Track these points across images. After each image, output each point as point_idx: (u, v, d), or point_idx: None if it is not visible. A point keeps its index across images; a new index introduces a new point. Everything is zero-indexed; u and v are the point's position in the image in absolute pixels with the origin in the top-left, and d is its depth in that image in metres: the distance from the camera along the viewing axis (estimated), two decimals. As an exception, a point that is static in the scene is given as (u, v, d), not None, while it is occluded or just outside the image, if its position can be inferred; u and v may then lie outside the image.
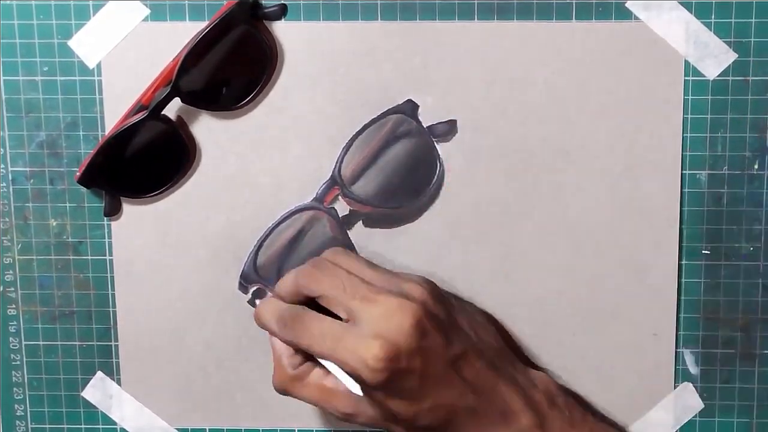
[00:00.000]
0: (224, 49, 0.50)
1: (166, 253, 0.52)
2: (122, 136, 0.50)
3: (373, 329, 0.44)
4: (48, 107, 0.51)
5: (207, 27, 0.49)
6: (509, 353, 0.49)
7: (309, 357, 0.47)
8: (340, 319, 0.45)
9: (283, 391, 0.48)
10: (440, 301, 0.46)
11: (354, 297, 0.45)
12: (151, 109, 0.49)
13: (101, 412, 0.54)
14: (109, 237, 0.52)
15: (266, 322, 0.48)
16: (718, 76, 0.50)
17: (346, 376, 0.45)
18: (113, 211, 0.52)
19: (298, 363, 0.47)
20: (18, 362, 0.54)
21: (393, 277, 0.47)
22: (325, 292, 0.46)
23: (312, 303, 0.47)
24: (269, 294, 0.52)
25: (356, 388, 0.46)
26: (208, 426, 0.54)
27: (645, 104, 0.50)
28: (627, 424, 0.53)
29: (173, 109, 0.51)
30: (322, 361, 0.47)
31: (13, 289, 0.53)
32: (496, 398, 0.46)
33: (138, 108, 0.50)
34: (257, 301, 0.52)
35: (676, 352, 0.52)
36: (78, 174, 0.51)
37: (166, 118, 0.50)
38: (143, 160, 0.51)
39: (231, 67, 0.50)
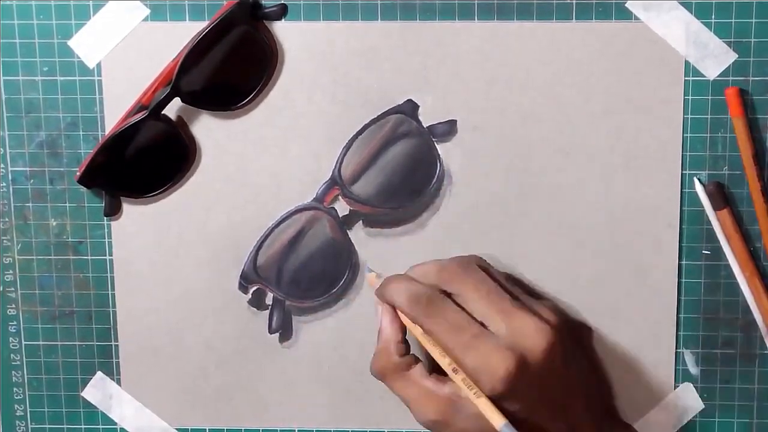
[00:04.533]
0: (224, 49, 0.50)
1: (166, 253, 0.52)
2: (122, 136, 0.50)
3: (510, 342, 0.44)
4: (48, 107, 0.51)
5: (207, 27, 0.49)
6: (603, 403, 0.51)
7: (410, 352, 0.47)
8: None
9: (381, 377, 0.47)
10: (569, 334, 0.47)
11: (493, 305, 0.45)
12: (151, 109, 0.49)
13: (101, 412, 0.54)
14: (109, 237, 0.52)
15: (395, 295, 0.46)
16: (718, 76, 0.50)
17: (489, 404, 0.44)
18: (113, 211, 0.52)
19: (404, 351, 0.47)
20: (18, 362, 0.54)
21: (530, 297, 0.48)
22: (466, 293, 0.46)
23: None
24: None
25: (497, 419, 0.43)
26: (208, 426, 0.54)
27: (645, 104, 0.50)
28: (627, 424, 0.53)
29: (173, 109, 0.51)
30: (436, 355, 0.45)
31: (13, 289, 0.53)
32: None
33: (138, 108, 0.50)
34: (373, 277, 0.49)
35: (676, 352, 0.52)
36: (78, 174, 0.51)
37: (166, 118, 0.50)
38: (143, 160, 0.51)
39: (231, 67, 0.50)
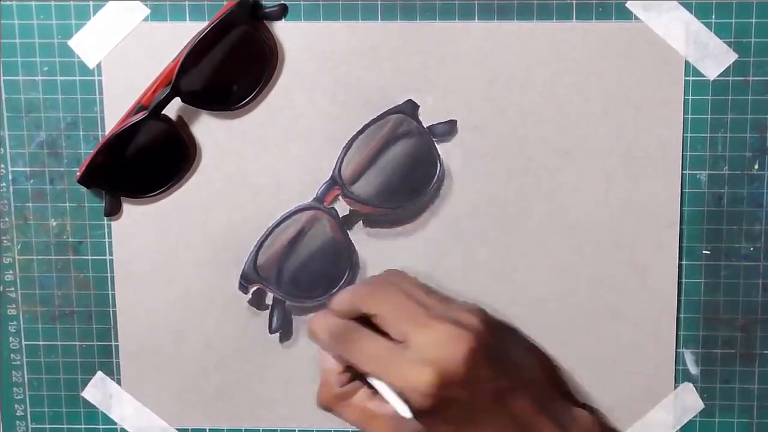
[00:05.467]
0: (224, 49, 0.50)
1: (166, 253, 0.53)
2: (122, 136, 0.50)
3: (426, 355, 0.44)
4: (48, 107, 0.51)
5: (207, 27, 0.49)
6: (552, 388, 0.50)
7: (356, 377, 0.47)
8: (392, 340, 0.45)
9: (327, 408, 0.48)
10: (493, 333, 0.46)
11: (409, 320, 0.45)
12: (151, 109, 0.49)
13: (101, 412, 0.54)
14: (109, 237, 0.52)
15: (318, 334, 0.47)
16: (718, 76, 0.50)
17: (393, 395, 0.45)
18: (113, 211, 0.52)
19: (346, 381, 0.47)
20: (18, 362, 0.54)
21: (449, 304, 0.47)
22: (382, 312, 0.46)
23: (365, 322, 0.47)
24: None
25: (404, 410, 0.45)
26: (208, 426, 0.54)
27: (645, 104, 0.50)
28: (627, 424, 0.53)
29: (173, 109, 0.51)
30: (370, 379, 0.46)
31: (13, 289, 0.53)
32: None
33: (138, 108, 0.50)
34: (310, 315, 0.50)
35: (676, 352, 0.52)
36: (78, 174, 0.51)
37: (166, 118, 0.50)
38: (143, 160, 0.51)
39: (231, 67, 0.50)
